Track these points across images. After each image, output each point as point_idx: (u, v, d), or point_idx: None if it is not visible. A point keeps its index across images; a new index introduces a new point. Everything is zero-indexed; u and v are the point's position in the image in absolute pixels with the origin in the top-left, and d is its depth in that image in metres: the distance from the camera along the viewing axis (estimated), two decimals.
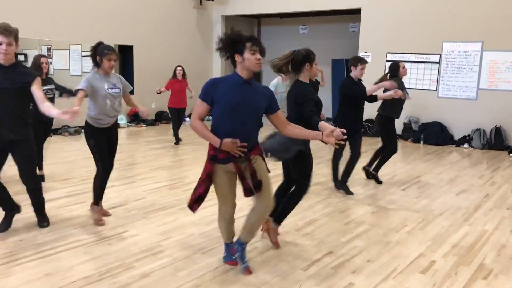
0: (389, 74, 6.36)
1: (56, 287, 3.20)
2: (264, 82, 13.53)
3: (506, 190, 6.29)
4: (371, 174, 6.46)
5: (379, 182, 6.41)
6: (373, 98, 5.86)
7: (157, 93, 9.01)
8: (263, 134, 3.76)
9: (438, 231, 4.58)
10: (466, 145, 9.91)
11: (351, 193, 5.79)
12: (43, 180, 5.82)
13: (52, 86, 6.16)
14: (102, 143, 4.38)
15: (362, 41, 11.30)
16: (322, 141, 3.28)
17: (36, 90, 3.86)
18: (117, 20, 11.19)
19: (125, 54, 11.56)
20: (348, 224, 4.70)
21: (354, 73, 5.67)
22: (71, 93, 6.49)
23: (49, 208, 4.51)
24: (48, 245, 3.92)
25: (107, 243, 4.00)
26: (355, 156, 5.78)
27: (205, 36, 13.71)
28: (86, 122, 4.35)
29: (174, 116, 9.24)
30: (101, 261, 3.63)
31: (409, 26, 10.59)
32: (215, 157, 3.30)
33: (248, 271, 3.50)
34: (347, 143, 5.67)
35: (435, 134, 10.17)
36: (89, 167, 6.36)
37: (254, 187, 3.31)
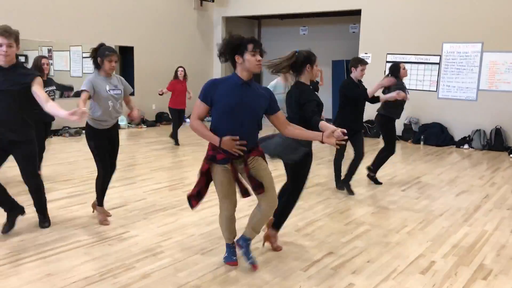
0: (389, 75, 6.37)
1: None
2: (264, 83, 13.53)
3: (506, 191, 6.29)
4: (369, 176, 6.45)
5: (378, 183, 6.41)
6: (375, 99, 5.88)
7: (159, 94, 9.03)
8: (261, 136, 3.76)
9: (438, 231, 4.59)
10: (466, 146, 9.92)
11: (353, 193, 5.80)
12: None
13: (53, 87, 6.17)
14: (103, 145, 4.39)
15: (362, 42, 11.32)
16: (321, 142, 3.28)
17: (38, 90, 3.83)
18: (117, 21, 11.21)
19: (126, 55, 11.58)
20: (348, 225, 4.71)
21: (354, 74, 5.69)
22: (71, 89, 6.52)
23: (50, 208, 4.52)
24: (49, 245, 3.93)
25: (108, 244, 4.01)
26: (358, 156, 5.79)
27: (205, 37, 13.72)
28: (87, 123, 4.35)
29: (175, 117, 9.24)
30: (101, 262, 3.64)
31: (409, 27, 10.60)
32: (214, 157, 3.32)
33: (254, 266, 3.55)
34: (349, 143, 5.67)
35: (435, 135, 10.18)
36: (90, 168, 6.38)
37: (253, 189, 3.33)
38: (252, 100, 3.26)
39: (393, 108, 6.21)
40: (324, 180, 6.48)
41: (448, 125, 10.34)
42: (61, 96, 10.03)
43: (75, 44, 10.56)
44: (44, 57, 6.15)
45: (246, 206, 4.59)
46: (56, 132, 9.88)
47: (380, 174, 6.54)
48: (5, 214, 4.21)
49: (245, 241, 3.55)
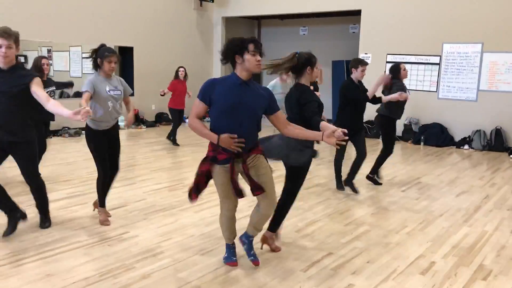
0: (390, 76, 6.37)
1: None
2: (264, 83, 13.53)
3: (506, 191, 6.29)
4: (368, 177, 6.43)
5: (377, 183, 6.40)
6: (377, 100, 5.88)
7: (161, 95, 9.03)
8: (261, 137, 3.75)
9: (438, 232, 4.59)
10: (466, 147, 9.92)
11: (357, 192, 5.81)
12: None
13: (53, 88, 6.17)
14: (103, 146, 4.38)
15: (362, 42, 11.32)
16: (318, 142, 3.28)
17: (37, 90, 3.81)
18: (117, 22, 11.22)
19: (125, 55, 11.57)
20: (348, 225, 4.71)
21: (354, 75, 5.68)
22: (71, 85, 6.52)
23: (50, 209, 4.51)
24: (49, 246, 3.93)
25: (108, 244, 4.01)
26: (361, 155, 5.79)
27: (205, 37, 13.72)
28: (87, 125, 4.35)
29: (175, 117, 9.24)
30: (101, 262, 3.64)
31: (409, 28, 10.61)
32: (215, 158, 3.32)
33: (255, 262, 3.59)
34: (349, 144, 5.67)
35: (435, 136, 10.18)
36: (90, 169, 6.38)
37: (253, 189, 3.33)
38: (251, 100, 3.26)
39: (396, 109, 6.22)
40: (324, 181, 6.48)
41: (448, 125, 10.34)
42: (60, 96, 10.05)
43: (74, 44, 10.56)
44: (44, 57, 6.15)
45: (246, 207, 4.59)
46: (56, 133, 9.88)
47: (380, 175, 6.53)
48: (6, 214, 4.20)
49: (247, 238, 3.62)
